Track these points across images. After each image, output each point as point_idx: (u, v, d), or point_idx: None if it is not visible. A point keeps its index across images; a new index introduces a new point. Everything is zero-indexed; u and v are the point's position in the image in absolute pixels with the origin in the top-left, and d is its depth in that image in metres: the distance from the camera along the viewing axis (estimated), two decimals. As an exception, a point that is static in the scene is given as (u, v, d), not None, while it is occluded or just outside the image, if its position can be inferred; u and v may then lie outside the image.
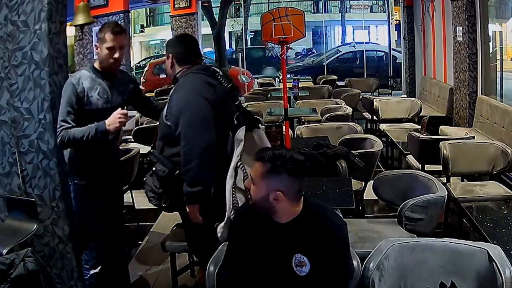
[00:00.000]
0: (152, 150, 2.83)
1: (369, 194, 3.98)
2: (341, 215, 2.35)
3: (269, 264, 1.99)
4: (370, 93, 10.61)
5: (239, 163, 2.54)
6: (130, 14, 8.47)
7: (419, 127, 6.25)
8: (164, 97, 9.20)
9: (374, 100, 7.78)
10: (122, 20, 7.86)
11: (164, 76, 13.18)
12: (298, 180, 1.98)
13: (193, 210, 2.66)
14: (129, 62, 8.19)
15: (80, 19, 5.60)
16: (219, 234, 2.44)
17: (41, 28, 2.76)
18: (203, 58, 3.00)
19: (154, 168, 2.74)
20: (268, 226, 1.99)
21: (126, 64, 7.99)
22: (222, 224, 2.45)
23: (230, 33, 23.50)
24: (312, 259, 1.95)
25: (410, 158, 5.03)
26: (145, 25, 24.33)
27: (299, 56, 21.20)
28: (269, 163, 1.94)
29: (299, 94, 8.39)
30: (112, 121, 2.78)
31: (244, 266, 2.04)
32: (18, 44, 2.78)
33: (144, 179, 2.80)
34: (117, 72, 3.02)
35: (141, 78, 14.71)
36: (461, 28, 6.60)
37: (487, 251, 2.01)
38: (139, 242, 4.42)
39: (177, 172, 2.63)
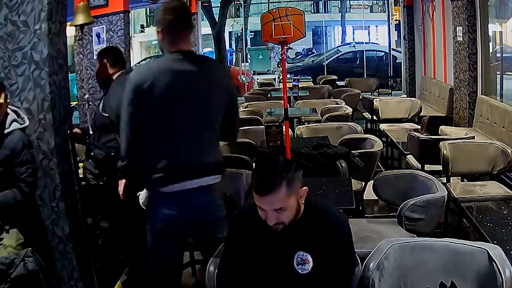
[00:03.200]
0: (89, 140, 3.47)
1: (369, 194, 3.98)
2: (341, 210, 2.35)
3: (270, 263, 1.99)
4: (370, 93, 10.60)
5: None
6: (130, 14, 8.46)
7: (419, 127, 6.24)
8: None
9: (374, 100, 7.78)
10: (122, 20, 7.87)
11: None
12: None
13: (121, 185, 2.96)
14: (129, 62, 8.19)
15: (80, 19, 5.60)
16: (141, 201, 2.55)
17: (41, 28, 2.77)
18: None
19: (92, 154, 3.31)
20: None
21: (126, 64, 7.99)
22: (144, 191, 2.54)
23: (230, 33, 23.51)
24: (315, 256, 1.95)
25: (410, 158, 5.02)
26: (145, 25, 24.33)
27: (299, 56, 21.20)
28: (283, 181, 1.88)
29: (299, 94, 8.39)
30: None
31: (244, 267, 2.04)
32: (18, 44, 2.78)
33: (82, 164, 3.42)
34: None
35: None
36: (461, 28, 6.60)
37: (487, 251, 2.01)
38: (139, 242, 4.42)
39: (112, 154, 3.15)
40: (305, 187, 1.97)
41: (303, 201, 1.98)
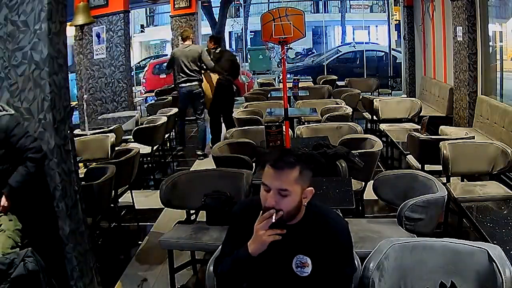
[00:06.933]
0: None
1: (369, 194, 3.98)
2: (341, 215, 2.35)
3: (269, 265, 1.98)
4: (370, 93, 10.59)
5: None
6: (130, 14, 8.46)
7: (419, 127, 6.24)
8: (163, 97, 9.19)
9: (374, 100, 7.78)
10: (122, 20, 7.87)
11: (164, 76, 13.21)
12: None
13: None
14: (129, 62, 8.20)
15: (80, 19, 5.62)
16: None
17: (41, 28, 2.77)
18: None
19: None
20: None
21: (126, 64, 8.00)
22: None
23: (230, 33, 23.50)
24: (314, 259, 1.94)
25: (410, 158, 5.03)
26: (145, 25, 24.31)
27: (299, 56, 21.19)
28: (298, 165, 1.91)
29: (299, 94, 8.37)
30: None
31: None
32: (18, 44, 2.78)
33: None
34: None
35: (141, 78, 14.74)
36: (461, 28, 6.60)
37: (487, 251, 2.01)
38: (139, 242, 4.43)
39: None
40: (311, 188, 1.96)
41: (305, 203, 1.95)
